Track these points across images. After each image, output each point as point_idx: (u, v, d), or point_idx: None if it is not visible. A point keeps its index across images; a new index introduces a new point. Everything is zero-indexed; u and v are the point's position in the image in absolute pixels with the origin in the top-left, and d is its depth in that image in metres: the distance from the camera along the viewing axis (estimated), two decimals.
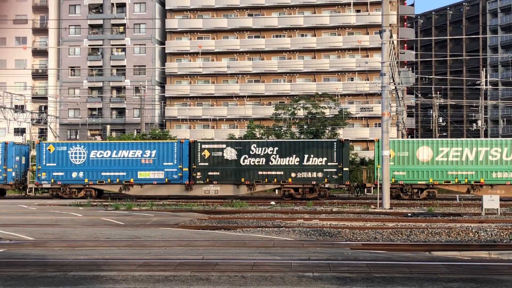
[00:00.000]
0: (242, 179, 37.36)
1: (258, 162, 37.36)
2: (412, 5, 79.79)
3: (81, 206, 30.84)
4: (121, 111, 71.46)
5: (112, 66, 71.61)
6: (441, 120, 66.06)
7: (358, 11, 67.43)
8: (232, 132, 57.90)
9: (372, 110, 65.24)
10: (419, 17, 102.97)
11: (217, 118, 69.22)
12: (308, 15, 69.11)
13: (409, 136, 73.58)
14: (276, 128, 52.84)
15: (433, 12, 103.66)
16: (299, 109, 53.85)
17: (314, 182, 36.88)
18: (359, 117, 65.18)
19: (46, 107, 70.25)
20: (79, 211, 28.10)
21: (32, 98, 68.93)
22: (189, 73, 70.09)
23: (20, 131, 62.95)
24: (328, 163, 36.85)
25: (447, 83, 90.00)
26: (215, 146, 38.20)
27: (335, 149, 36.90)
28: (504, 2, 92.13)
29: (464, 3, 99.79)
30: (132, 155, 38.02)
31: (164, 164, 37.82)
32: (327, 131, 51.49)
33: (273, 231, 18.74)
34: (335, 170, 36.73)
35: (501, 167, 35.72)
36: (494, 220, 22.64)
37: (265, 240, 16.68)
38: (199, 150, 37.72)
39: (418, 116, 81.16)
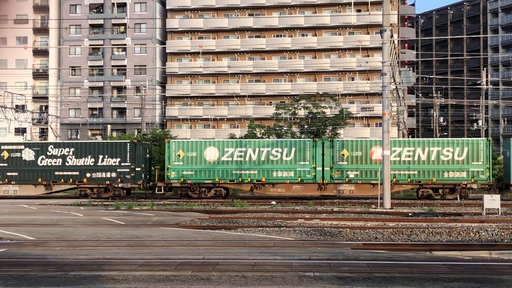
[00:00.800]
0: (39, 180, 38.41)
1: (55, 162, 38.43)
2: (413, 4, 79.72)
3: (82, 206, 30.92)
4: (121, 111, 71.44)
5: (113, 66, 71.58)
6: (441, 120, 66.06)
7: (358, 10, 67.36)
8: (233, 132, 57.85)
9: (372, 110, 65.23)
10: (419, 16, 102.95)
11: (218, 118, 69.18)
12: (309, 15, 69.03)
13: (410, 136, 73.56)
14: (277, 128, 52.81)
15: (433, 12, 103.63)
16: (300, 108, 53.79)
17: (108, 182, 38.00)
18: (359, 116, 65.13)
19: (46, 107, 70.24)
20: (80, 211, 28.15)
21: (33, 98, 68.89)
22: (189, 73, 70.06)
23: (21, 131, 62.98)
24: (122, 164, 37.94)
25: (447, 83, 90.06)
26: (14, 147, 39.28)
27: (128, 150, 37.87)
28: (505, 2, 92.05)
29: (464, 3, 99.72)
30: None
31: None
32: (327, 130, 51.45)
33: (273, 231, 18.74)
34: (128, 170, 37.80)
35: (281, 167, 36.73)
36: (495, 220, 22.64)
37: (266, 240, 16.68)
38: None
39: (419, 116, 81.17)
